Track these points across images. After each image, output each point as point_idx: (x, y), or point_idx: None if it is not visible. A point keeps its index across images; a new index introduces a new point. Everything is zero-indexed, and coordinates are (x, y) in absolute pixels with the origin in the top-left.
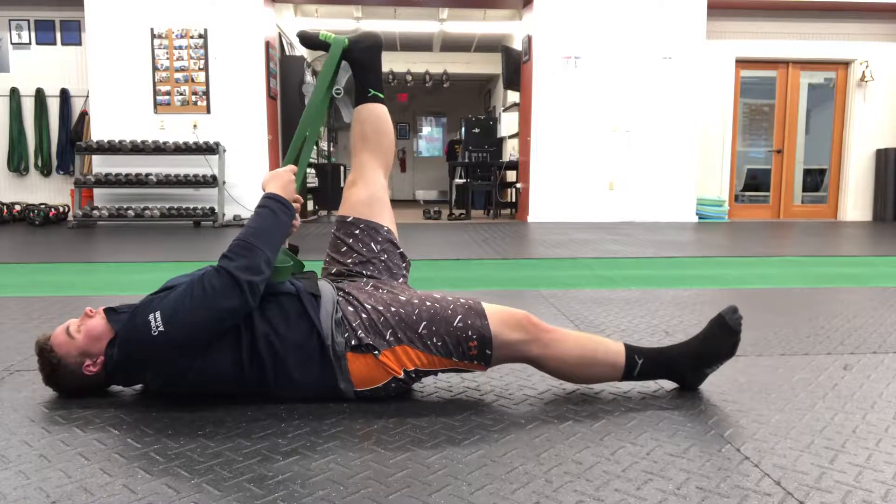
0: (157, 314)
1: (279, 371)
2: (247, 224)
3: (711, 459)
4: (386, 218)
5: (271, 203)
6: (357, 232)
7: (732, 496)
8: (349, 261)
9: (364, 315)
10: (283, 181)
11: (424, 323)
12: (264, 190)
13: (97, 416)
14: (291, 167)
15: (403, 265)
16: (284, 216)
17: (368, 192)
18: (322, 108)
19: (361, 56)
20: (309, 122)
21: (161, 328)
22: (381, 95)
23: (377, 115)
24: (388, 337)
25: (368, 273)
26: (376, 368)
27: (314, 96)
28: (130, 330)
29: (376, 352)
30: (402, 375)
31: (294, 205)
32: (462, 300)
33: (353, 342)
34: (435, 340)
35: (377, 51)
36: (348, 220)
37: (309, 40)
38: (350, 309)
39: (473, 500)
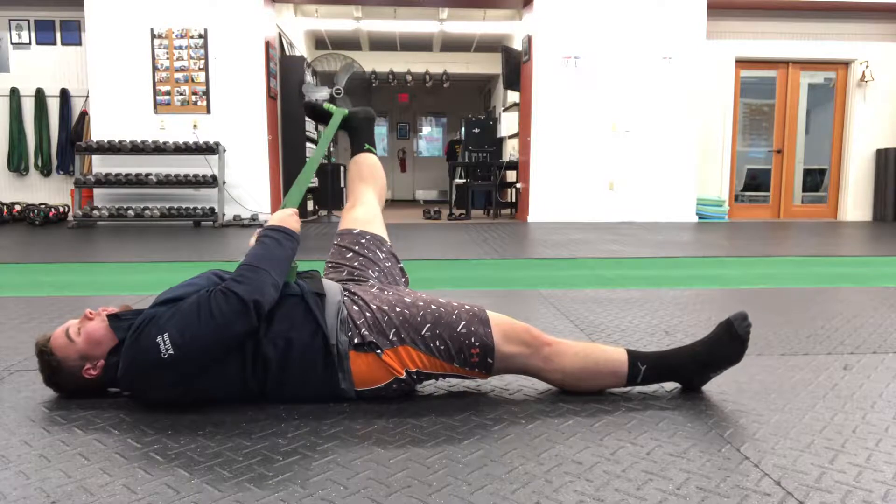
0: (166, 336)
1: (282, 374)
2: (251, 251)
3: (711, 459)
4: (386, 236)
5: (272, 233)
6: (363, 241)
7: (732, 496)
8: (356, 263)
9: (368, 314)
10: (283, 216)
11: (428, 325)
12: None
13: (97, 416)
14: (293, 210)
15: (403, 280)
16: (289, 243)
17: (370, 213)
18: (321, 159)
19: (358, 124)
20: (312, 170)
21: (171, 351)
22: (375, 150)
23: (371, 162)
24: (391, 336)
25: (375, 275)
26: (378, 368)
27: (318, 150)
28: (137, 352)
29: (379, 351)
30: (403, 376)
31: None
32: (467, 306)
33: (356, 340)
34: (438, 344)
35: (371, 122)
36: (354, 231)
37: (314, 111)
38: (355, 308)
39: (473, 500)
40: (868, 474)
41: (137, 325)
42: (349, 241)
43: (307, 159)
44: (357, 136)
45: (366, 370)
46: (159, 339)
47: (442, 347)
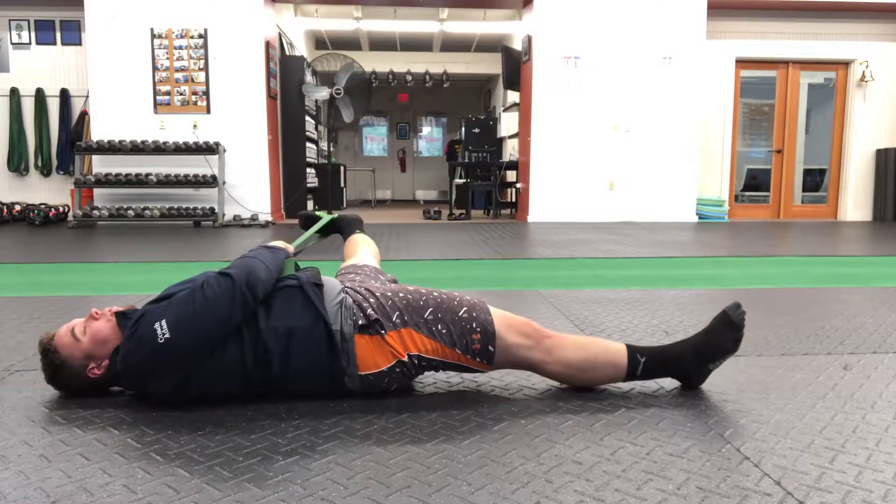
0: (163, 322)
1: (285, 363)
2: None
3: (711, 459)
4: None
5: (262, 247)
6: (367, 269)
7: (732, 496)
8: (358, 279)
9: (372, 300)
10: (275, 243)
11: (431, 309)
12: None
13: (97, 416)
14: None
15: None
16: (277, 250)
17: (369, 258)
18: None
19: (346, 221)
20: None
21: (167, 335)
22: (365, 234)
23: (364, 237)
24: (394, 318)
25: (377, 285)
26: (381, 350)
27: (310, 231)
28: (135, 342)
29: (383, 331)
30: (405, 358)
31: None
32: (468, 297)
33: (360, 322)
34: (440, 328)
35: (360, 223)
36: (359, 264)
37: (307, 218)
38: (359, 296)
39: (473, 500)
40: (868, 474)
41: (136, 318)
42: (351, 269)
43: (301, 235)
44: (349, 227)
45: (369, 354)
46: (156, 325)
47: (444, 331)
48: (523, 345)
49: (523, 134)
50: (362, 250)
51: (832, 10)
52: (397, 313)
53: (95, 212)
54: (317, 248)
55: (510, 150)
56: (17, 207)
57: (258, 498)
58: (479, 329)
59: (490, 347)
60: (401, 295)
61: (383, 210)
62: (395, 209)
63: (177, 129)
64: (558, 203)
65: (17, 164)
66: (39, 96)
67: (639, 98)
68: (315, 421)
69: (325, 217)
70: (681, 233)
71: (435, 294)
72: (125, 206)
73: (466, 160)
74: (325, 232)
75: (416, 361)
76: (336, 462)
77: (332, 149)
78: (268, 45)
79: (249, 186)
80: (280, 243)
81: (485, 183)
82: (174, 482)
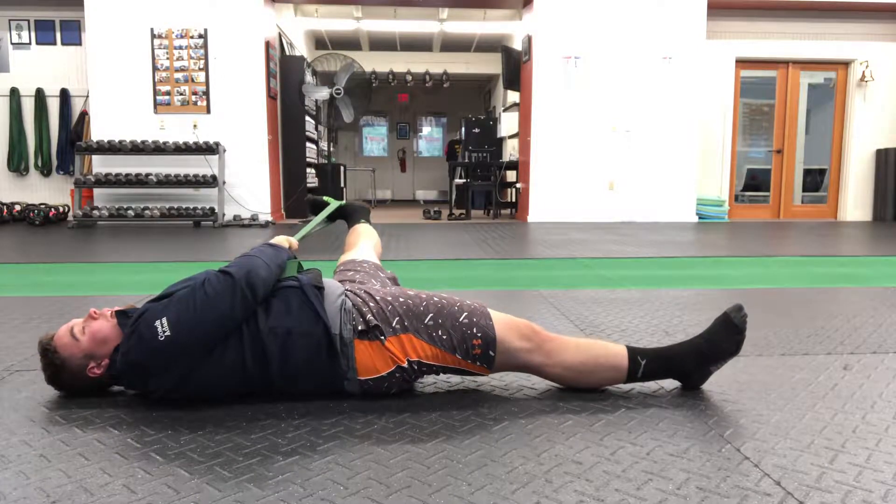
0: (164, 320)
1: (284, 364)
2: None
3: (711, 459)
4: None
5: (263, 244)
6: (365, 265)
7: (732, 496)
8: (357, 277)
9: (372, 304)
10: (277, 238)
11: (431, 315)
12: None
13: (97, 416)
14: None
15: None
16: (278, 248)
17: (368, 252)
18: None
19: (353, 209)
20: (308, 229)
21: (168, 333)
22: (370, 223)
23: (368, 227)
24: (394, 324)
25: (377, 284)
26: (381, 356)
27: (318, 218)
28: (136, 340)
29: (382, 337)
30: (405, 364)
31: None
32: (469, 301)
33: (360, 327)
34: (440, 333)
35: (367, 212)
36: (357, 259)
37: (314, 204)
38: (359, 300)
39: (473, 500)
40: (868, 474)
41: (136, 316)
42: (350, 266)
43: (308, 221)
44: (354, 215)
45: (369, 358)
46: (157, 323)
47: (444, 337)
48: (524, 348)
49: (523, 134)
50: (363, 243)
51: (832, 10)
52: (397, 318)
53: (95, 212)
54: (319, 247)
55: (510, 150)
56: (17, 207)
57: (258, 498)
58: (479, 334)
59: (490, 352)
60: (401, 300)
61: (383, 210)
62: (395, 209)
63: (177, 129)
64: (558, 203)
65: (17, 164)
66: (39, 96)
67: (639, 98)
68: (315, 421)
69: (333, 203)
70: (681, 233)
71: (435, 299)
72: (125, 206)
73: (466, 160)
74: (331, 218)
75: (415, 367)
76: (336, 462)
77: (332, 149)
78: (268, 45)
79: (249, 186)
80: (283, 240)
81: (485, 183)
82: (174, 482)
